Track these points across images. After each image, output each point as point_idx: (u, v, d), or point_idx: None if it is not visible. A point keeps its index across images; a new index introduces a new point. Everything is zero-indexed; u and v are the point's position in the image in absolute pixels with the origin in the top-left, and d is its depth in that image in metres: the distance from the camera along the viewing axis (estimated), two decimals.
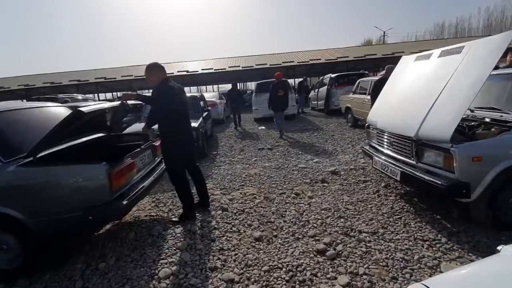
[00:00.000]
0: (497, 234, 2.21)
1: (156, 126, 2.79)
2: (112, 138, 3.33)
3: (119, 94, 23.57)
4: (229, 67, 21.17)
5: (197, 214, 2.88)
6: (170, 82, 2.70)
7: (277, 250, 2.26)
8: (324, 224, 2.59)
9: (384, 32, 35.36)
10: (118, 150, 2.94)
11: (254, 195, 3.40)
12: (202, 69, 21.27)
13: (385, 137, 3.04)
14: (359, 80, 7.59)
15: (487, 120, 2.69)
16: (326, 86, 11.01)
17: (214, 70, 20.98)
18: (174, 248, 2.33)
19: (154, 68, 2.69)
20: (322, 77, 12.29)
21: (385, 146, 3.07)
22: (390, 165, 2.84)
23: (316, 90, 12.27)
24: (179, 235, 2.53)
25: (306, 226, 2.57)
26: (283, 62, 20.81)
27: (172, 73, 21.03)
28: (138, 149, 2.66)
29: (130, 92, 3.15)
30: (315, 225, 2.58)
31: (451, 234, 2.27)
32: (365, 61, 20.95)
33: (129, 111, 3.92)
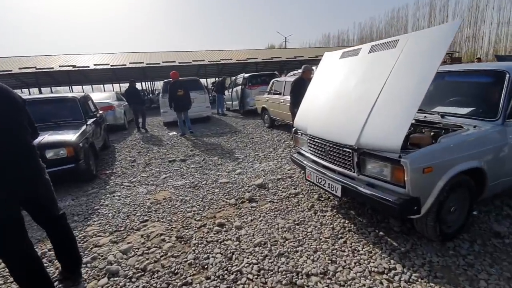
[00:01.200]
0: (443, 248, 2.03)
1: None
2: None
3: None
4: (130, 63, 18.43)
5: None
6: None
7: None
8: (262, 272, 1.91)
9: (286, 37, 38.45)
10: None
11: (162, 236, 2.44)
12: (95, 64, 17.77)
13: (318, 145, 2.61)
14: (273, 80, 7.41)
15: (413, 121, 2.58)
16: (240, 86, 10.63)
17: (111, 66, 17.86)
18: None
19: None
20: (235, 77, 11.87)
21: (319, 155, 2.65)
22: (328, 178, 2.41)
23: (230, 90, 11.76)
24: None
25: (239, 282, 1.83)
26: (193, 61, 19.57)
27: (52, 67, 16.80)
28: None
29: None
30: (250, 276, 1.88)
31: (402, 257, 1.97)
32: (271, 63, 21.97)
33: None
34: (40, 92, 19.50)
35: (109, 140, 6.75)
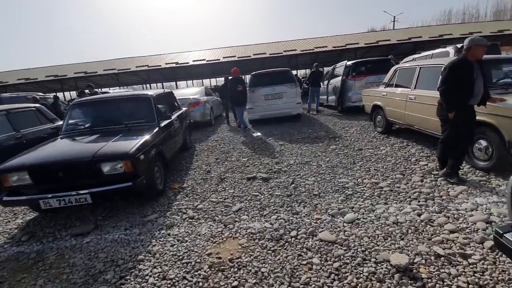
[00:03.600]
0: None
1: None
2: None
3: (110, 89, 21.33)
4: (223, 57, 18.77)
5: None
6: None
7: None
8: None
9: (394, 17, 32.42)
10: None
11: None
12: (193, 61, 18.89)
13: None
14: (396, 67, 5.23)
15: None
16: (339, 77, 8.67)
17: (207, 61, 18.60)
18: None
19: None
20: (333, 66, 9.90)
21: None
22: None
23: (326, 82, 9.90)
24: None
25: None
26: (284, 51, 18.36)
27: (160, 65, 18.72)
28: None
29: None
30: None
31: None
32: (377, 48, 18.45)
33: None
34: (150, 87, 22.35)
35: (191, 139, 6.20)
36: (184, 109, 6.03)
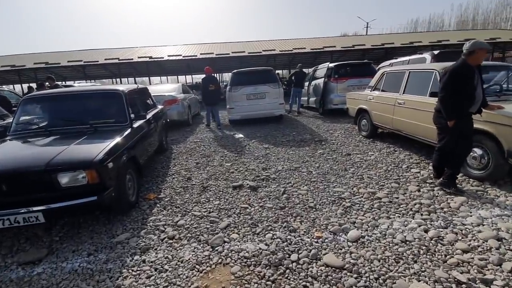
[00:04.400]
0: None
1: None
2: None
3: (75, 82, 19.53)
4: (200, 54, 18.07)
5: None
6: None
7: None
8: None
9: (368, 23, 33.68)
10: None
11: None
12: (169, 56, 17.96)
13: None
14: (383, 71, 5.14)
15: None
16: (321, 79, 8.58)
17: (183, 57, 17.78)
18: None
19: None
20: (314, 68, 9.82)
21: None
22: None
23: (307, 84, 9.78)
24: None
25: None
26: (263, 50, 18.12)
27: (132, 59, 17.56)
28: None
29: None
30: None
31: None
32: (352, 51, 18.91)
33: None
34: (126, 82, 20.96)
35: (167, 140, 5.68)
36: (160, 107, 5.50)
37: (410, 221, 2.42)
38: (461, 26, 40.89)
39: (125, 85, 4.07)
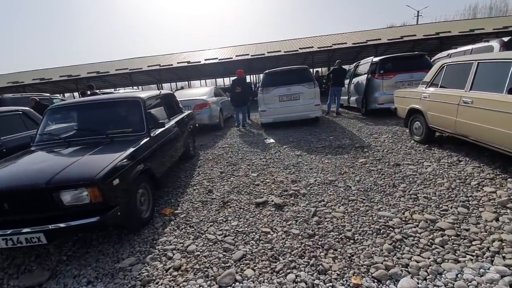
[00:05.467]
0: None
1: None
2: None
3: (120, 89, 21.13)
4: (236, 56, 18.05)
5: None
6: None
7: None
8: None
9: (418, 11, 30.48)
10: None
11: None
12: (205, 59, 18.30)
13: None
14: (442, 62, 4.24)
15: None
16: (363, 76, 7.71)
17: (219, 60, 17.95)
18: None
19: None
20: (356, 63, 8.92)
21: None
22: None
23: (348, 81, 8.93)
24: None
25: None
26: (300, 48, 17.40)
27: (171, 64, 18.27)
28: None
29: None
30: None
31: None
32: (401, 43, 17.12)
33: None
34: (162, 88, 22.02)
35: (195, 146, 5.49)
36: (186, 112, 5.33)
37: (488, 268, 1.74)
38: None
39: (145, 92, 3.92)
